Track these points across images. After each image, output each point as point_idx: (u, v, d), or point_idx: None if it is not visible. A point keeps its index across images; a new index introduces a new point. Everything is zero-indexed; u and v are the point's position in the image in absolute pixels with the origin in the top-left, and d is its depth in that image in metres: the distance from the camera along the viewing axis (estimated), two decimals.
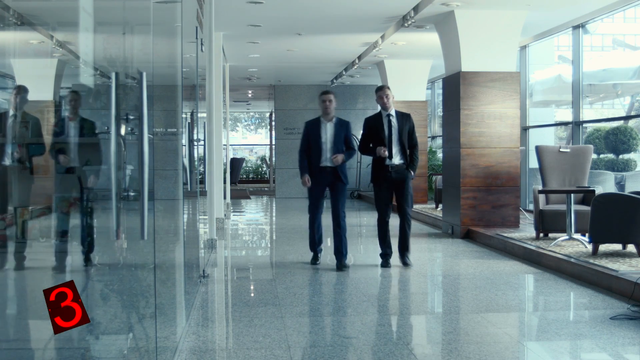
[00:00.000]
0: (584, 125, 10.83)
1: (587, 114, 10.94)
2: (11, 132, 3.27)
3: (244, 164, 24.90)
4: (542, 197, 8.09)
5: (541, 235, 8.14)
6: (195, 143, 6.66)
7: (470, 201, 9.33)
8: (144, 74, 2.98)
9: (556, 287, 6.27)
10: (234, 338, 4.69)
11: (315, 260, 7.31)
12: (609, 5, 9.18)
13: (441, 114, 11.09)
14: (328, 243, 7.67)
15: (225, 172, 12.98)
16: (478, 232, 9.03)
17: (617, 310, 5.27)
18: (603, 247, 7.09)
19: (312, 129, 7.14)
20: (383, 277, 6.92)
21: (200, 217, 7.91)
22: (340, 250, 7.03)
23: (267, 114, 26.80)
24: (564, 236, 7.68)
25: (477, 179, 9.34)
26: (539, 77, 13.35)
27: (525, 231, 8.86)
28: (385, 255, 7.19)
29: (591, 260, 6.53)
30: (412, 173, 7.07)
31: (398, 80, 13.42)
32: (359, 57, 13.64)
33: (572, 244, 7.49)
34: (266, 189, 22.16)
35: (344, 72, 15.63)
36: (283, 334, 4.67)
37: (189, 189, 5.74)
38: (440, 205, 11.26)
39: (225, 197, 12.54)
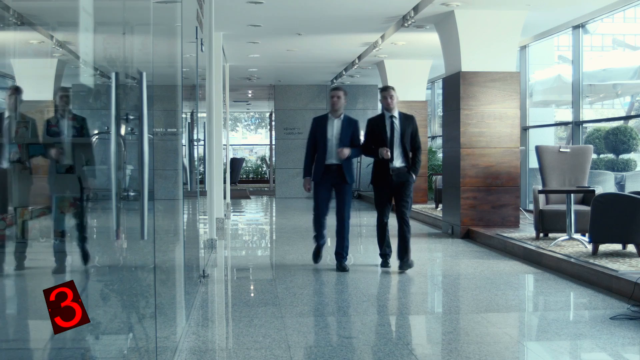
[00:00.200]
0: (584, 125, 10.83)
1: (587, 114, 10.95)
2: (7, 133, 3.26)
3: (244, 164, 24.90)
4: (542, 197, 8.09)
5: (541, 235, 8.14)
6: (195, 143, 6.67)
7: (470, 201, 9.33)
8: (144, 74, 2.98)
9: (556, 287, 6.27)
10: (234, 338, 4.69)
11: (317, 255, 7.22)
12: (609, 5, 9.18)
13: (441, 114, 11.09)
14: (329, 243, 7.65)
15: (225, 172, 12.98)
16: (478, 232, 9.03)
17: (617, 310, 5.27)
18: (603, 247, 7.09)
19: (319, 125, 7.01)
20: (383, 277, 6.92)
21: (200, 217, 7.92)
22: (340, 252, 6.99)
23: (267, 114, 26.80)
24: (564, 236, 7.68)
25: (477, 179, 9.34)
26: (539, 77, 13.36)
27: (525, 231, 8.86)
28: (385, 256, 7.15)
29: (591, 260, 6.53)
30: (414, 176, 6.95)
31: (398, 80, 13.40)
32: (359, 57, 13.64)
33: (572, 244, 7.49)
34: (266, 189, 22.16)
35: (344, 72, 15.63)
36: (283, 334, 4.67)
37: (189, 189, 5.75)
38: (440, 205, 11.26)
39: (225, 197, 12.54)
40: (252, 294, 6.26)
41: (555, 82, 13.09)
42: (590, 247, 7.02)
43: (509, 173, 9.41)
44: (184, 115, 5.69)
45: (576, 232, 7.67)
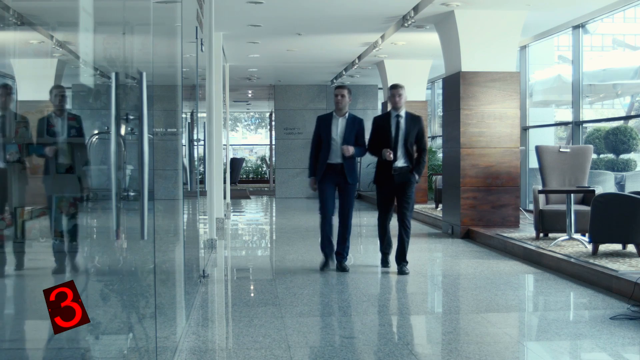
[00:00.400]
0: (584, 125, 10.83)
1: (587, 114, 10.95)
2: (0, 132, 3.25)
3: (244, 164, 24.90)
4: (542, 197, 8.09)
5: (541, 235, 8.14)
6: (195, 143, 6.67)
7: (470, 201, 9.33)
8: (144, 74, 2.98)
9: (556, 287, 6.27)
10: (234, 338, 4.69)
11: (325, 265, 7.01)
12: (609, 5, 9.18)
13: (441, 114, 11.09)
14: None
15: (225, 172, 12.98)
16: (478, 232, 9.03)
17: (617, 310, 5.27)
18: (603, 247, 7.09)
19: (323, 124, 6.94)
20: (383, 277, 6.92)
21: (200, 217, 7.92)
22: (341, 252, 6.98)
23: (267, 114, 26.80)
24: (564, 236, 7.68)
25: (477, 179, 9.34)
26: (539, 77, 13.35)
27: (525, 231, 8.86)
28: (385, 254, 7.14)
29: (591, 260, 6.53)
30: (417, 177, 6.85)
31: (398, 80, 13.37)
32: (359, 57, 13.64)
33: (572, 244, 7.49)
34: (266, 189, 22.16)
35: (344, 72, 15.63)
36: (283, 334, 4.67)
37: (189, 189, 5.75)
38: (440, 205, 11.26)
39: (225, 197, 12.54)
40: (252, 294, 6.26)
41: (555, 82, 13.09)
42: (590, 247, 7.02)
43: (509, 173, 9.41)
44: (184, 115, 5.69)
45: (576, 232, 7.67)
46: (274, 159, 20.46)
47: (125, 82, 3.22)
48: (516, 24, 9.30)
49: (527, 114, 12.12)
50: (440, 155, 13.96)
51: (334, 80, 17.02)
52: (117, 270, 3.88)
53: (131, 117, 3.04)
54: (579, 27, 10.26)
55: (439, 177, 11.83)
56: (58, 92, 3.47)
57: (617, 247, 7.10)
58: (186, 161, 5.77)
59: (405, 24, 9.73)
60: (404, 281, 6.63)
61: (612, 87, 12.70)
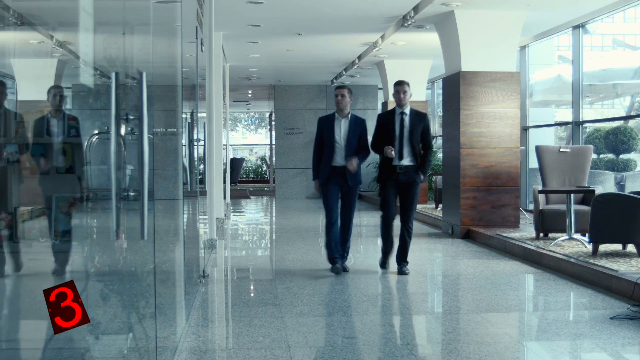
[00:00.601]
0: (584, 125, 10.83)
1: (587, 114, 10.94)
2: None
3: (244, 164, 24.90)
4: (542, 197, 8.09)
5: (541, 235, 8.14)
6: (195, 143, 6.67)
7: (470, 201, 9.33)
8: (144, 74, 2.98)
9: (556, 287, 6.27)
10: (234, 338, 4.69)
11: (335, 267, 6.79)
12: (609, 5, 9.18)
13: (441, 114, 11.09)
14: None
15: (225, 172, 12.98)
16: (478, 232, 9.03)
17: (617, 310, 5.27)
18: (603, 247, 7.09)
19: (326, 125, 6.78)
20: (383, 277, 6.92)
21: (200, 217, 7.91)
22: (342, 252, 6.91)
23: (267, 114, 26.81)
24: (564, 236, 7.68)
25: (477, 179, 9.34)
26: (539, 77, 13.35)
27: (525, 231, 8.86)
28: (386, 254, 7.05)
29: (591, 260, 6.53)
30: (422, 177, 6.73)
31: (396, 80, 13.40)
32: (359, 57, 13.64)
33: (572, 244, 7.49)
34: (266, 189, 22.16)
35: (344, 72, 15.63)
36: (283, 334, 4.67)
37: (189, 189, 5.75)
38: (440, 205, 11.26)
39: (225, 197, 12.54)
40: (252, 294, 6.26)
41: (555, 82, 13.09)
42: (590, 247, 7.02)
43: (509, 173, 9.41)
44: (184, 115, 5.69)
45: (576, 232, 7.67)
46: (274, 159, 20.46)
47: (125, 82, 3.22)
48: (516, 24, 9.30)
49: (527, 114, 12.12)
50: (440, 155, 13.96)
51: (334, 80, 17.02)
52: (117, 270, 3.88)
53: (131, 117, 3.04)
54: (579, 27, 10.26)
55: (439, 177, 11.83)
56: (56, 92, 3.45)
57: (617, 247, 7.09)
58: (186, 161, 5.77)
59: (405, 24, 9.73)
60: (404, 281, 6.63)
61: (612, 87, 12.70)
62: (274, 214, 14.79)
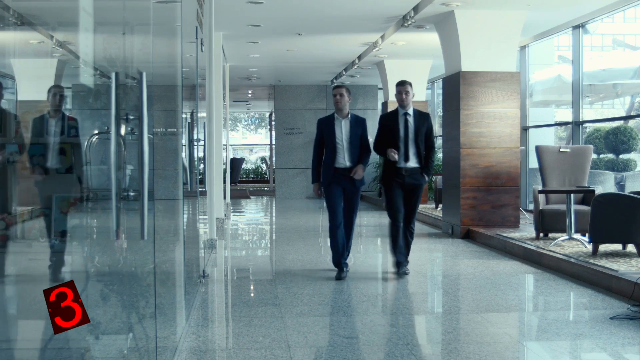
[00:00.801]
0: (584, 125, 10.83)
1: (587, 114, 10.95)
2: None
3: (244, 164, 24.91)
4: (542, 197, 8.09)
5: (541, 235, 8.14)
6: (195, 143, 6.66)
7: (470, 201, 9.33)
8: (144, 74, 2.98)
9: (556, 287, 6.27)
10: (234, 338, 4.69)
11: (340, 274, 6.65)
12: (609, 5, 9.18)
13: (441, 114, 11.09)
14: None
15: (225, 172, 12.98)
16: (478, 232, 9.03)
17: (617, 310, 5.27)
18: (603, 247, 7.09)
19: (326, 127, 6.65)
20: (383, 277, 6.92)
21: (200, 217, 7.91)
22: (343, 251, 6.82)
23: (267, 114, 26.81)
24: (564, 236, 7.68)
25: (477, 179, 9.34)
26: (539, 77, 13.35)
27: (525, 231, 8.86)
28: (399, 264, 6.71)
29: (591, 260, 6.53)
30: (427, 177, 6.64)
31: (398, 80, 13.40)
32: (359, 57, 13.64)
33: (572, 244, 7.49)
34: (266, 189, 22.16)
35: (344, 72, 15.63)
36: (283, 334, 4.67)
37: (189, 189, 5.74)
38: (440, 205, 11.26)
39: (225, 197, 12.55)
40: (252, 294, 6.26)
41: (555, 82, 13.09)
42: (590, 247, 7.02)
43: (509, 173, 9.41)
44: (184, 115, 5.69)
45: (576, 232, 7.67)
46: (274, 159, 20.46)
47: (125, 82, 3.22)
48: (516, 24, 9.30)
49: (527, 114, 12.12)
50: (440, 155, 13.98)
51: (334, 80, 17.02)
52: (117, 270, 3.88)
53: (131, 117, 3.03)
54: (579, 27, 10.26)
55: (439, 177, 11.83)
56: (56, 91, 3.44)
57: (617, 247, 7.09)
58: (186, 161, 5.76)
59: (405, 24, 9.73)
60: (404, 281, 6.63)
61: (612, 87, 12.70)
62: (273, 214, 14.79)
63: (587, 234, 7.13)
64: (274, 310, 5.36)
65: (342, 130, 6.61)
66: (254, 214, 14.98)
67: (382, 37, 11.37)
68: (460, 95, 9.29)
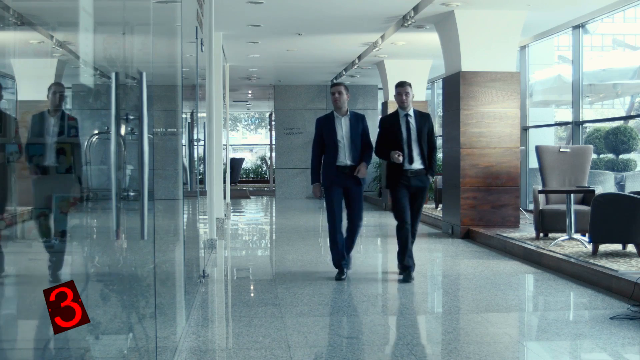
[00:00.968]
0: (584, 125, 10.83)
1: (587, 114, 10.95)
2: None
3: (243, 164, 24.90)
4: (542, 197, 8.09)
5: (541, 235, 8.14)
6: (195, 143, 6.66)
7: (470, 201, 9.33)
8: (144, 74, 2.98)
9: (556, 287, 6.27)
10: (234, 338, 4.69)
11: (340, 275, 6.58)
12: (609, 5, 9.18)
13: (441, 114, 11.10)
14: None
15: (225, 172, 12.98)
16: (478, 232, 9.03)
17: (617, 310, 5.27)
18: (603, 247, 7.09)
19: (326, 126, 6.54)
20: (383, 277, 6.92)
21: (200, 217, 7.91)
22: (347, 252, 6.69)
23: (267, 114, 26.81)
24: (564, 236, 7.68)
25: (477, 179, 9.34)
26: (539, 77, 13.36)
27: (525, 231, 8.86)
28: (407, 268, 6.53)
29: (591, 260, 6.53)
30: (431, 179, 6.58)
31: (398, 80, 13.39)
32: (359, 57, 13.64)
33: (572, 244, 7.49)
34: (266, 189, 22.16)
35: (344, 72, 15.63)
36: (283, 334, 4.67)
37: (189, 189, 5.74)
38: (440, 205, 11.26)
39: (225, 197, 12.55)
40: (252, 294, 6.26)
41: (555, 82, 13.09)
42: (590, 247, 7.02)
43: (509, 173, 9.41)
44: (184, 115, 5.69)
45: (576, 232, 7.67)
46: (274, 159, 20.46)
47: (125, 82, 3.22)
48: (516, 24, 9.30)
49: (527, 114, 12.12)
50: (440, 155, 14.01)
51: (334, 80, 17.03)
52: (117, 270, 3.88)
53: (131, 117, 3.03)
54: (579, 27, 10.26)
55: (439, 177, 11.83)
56: (57, 89, 3.42)
57: (617, 247, 7.09)
58: (186, 161, 5.76)
59: (405, 24, 9.73)
60: (404, 281, 6.62)
61: (612, 87, 12.71)
62: (273, 214, 14.79)
63: (587, 234, 7.13)
64: (274, 310, 5.36)
65: (342, 128, 6.51)
66: (254, 214, 14.98)
67: (382, 37, 11.38)
68: (460, 95, 9.29)
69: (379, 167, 15.40)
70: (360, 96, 18.07)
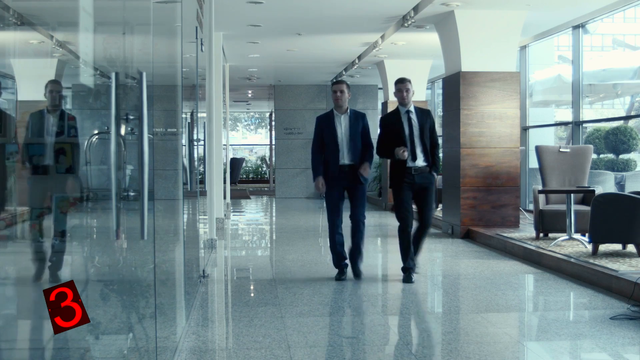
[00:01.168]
0: (584, 125, 10.83)
1: (587, 114, 10.95)
2: None
3: (244, 164, 24.90)
4: (542, 197, 8.09)
5: (541, 235, 8.14)
6: (195, 143, 6.66)
7: (470, 201, 9.33)
8: (144, 74, 2.98)
9: (556, 287, 6.27)
10: (234, 338, 4.69)
11: (340, 275, 6.55)
12: (609, 5, 9.18)
13: (441, 114, 11.09)
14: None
15: (225, 172, 12.98)
16: (478, 232, 9.03)
17: (617, 310, 5.27)
18: (603, 247, 7.09)
19: (326, 124, 6.48)
20: (383, 277, 6.92)
21: (200, 217, 7.91)
22: (355, 258, 6.63)
23: (267, 114, 26.81)
24: (564, 236, 7.68)
25: (477, 179, 9.34)
26: (539, 77, 13.36)
27: (525, 231, 8.86)
28: (408, 270, 6.47)
29: (591, 260, 6.53)
30: (435, 175, 6.47)
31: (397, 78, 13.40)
32: (359, 57, 13.64)
33: (572, 244, 7.49)
34: (266, 189, 22.16)
35: (344, 72, 15.63)
36: (283, 334, 4.67)
37: (189, 189, 5.74)
38: (440, 205, 11.26)
39: (225, 197, 12.55)
40: (252, 294, 6.26)
41: (555, 82, 13.10)
42: (590, 247, 7.02)
43: (509, 173, 9.41)
44: (184, 115, 5.69)
45: (576, 232, 7.67)
46: (274, 159, 20.46)
47: (125, 82, 3.22)
48: (516, 24, 9.30)
49: (527, 114, 12.12)
50: (440, 155, 14.02)
51: (335, 80, 17.02)
52: (117, 270, 3.88)
53: (131, 117, 3.03)
54: (579, 27, 10.26)
55: (439, 177, 11.82)
56: (53, 87, 3.39)
57: (617, 247, 7.09)
58: (186, 161, 5.76)
59: (405, 24, 9.73)
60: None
61: (612, 87, 12.71)
62: (273, 214, 14.79)
63: (587, 234, 7.13)
64: (274, 310, 5.36)
65: (343, 128, 6.46)
66: (254, 214, 14.98)
67: (382, 37, 11.37)
68: (460, 95, 9.29)
69: (379, 167, 15.39)
70: (360, 96, 18.07)
